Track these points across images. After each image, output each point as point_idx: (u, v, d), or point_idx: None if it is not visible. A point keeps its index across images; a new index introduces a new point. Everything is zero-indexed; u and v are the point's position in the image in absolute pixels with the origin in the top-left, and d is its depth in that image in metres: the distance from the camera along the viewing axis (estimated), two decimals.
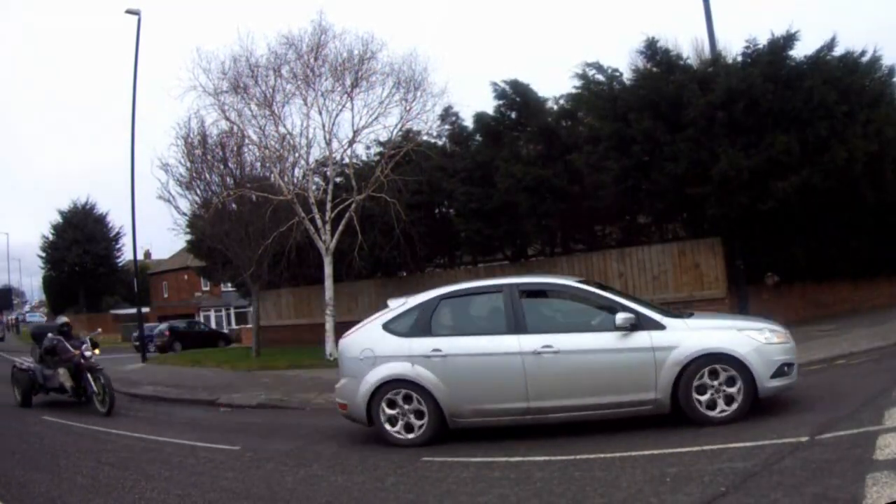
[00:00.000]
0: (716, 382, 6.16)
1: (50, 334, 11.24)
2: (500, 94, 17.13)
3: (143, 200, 35.06)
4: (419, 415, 6.65)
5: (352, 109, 17.84)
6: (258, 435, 8.31)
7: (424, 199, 18.44)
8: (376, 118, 17.88)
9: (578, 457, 5.59)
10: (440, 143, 19.45)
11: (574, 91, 16.38)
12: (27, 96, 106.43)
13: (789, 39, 13.67)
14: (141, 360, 22.87)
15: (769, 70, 13.32)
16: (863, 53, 14.66)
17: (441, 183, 17.75)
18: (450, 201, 18.44)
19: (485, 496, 4.75)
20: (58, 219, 54.03)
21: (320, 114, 17.73)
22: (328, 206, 17.66)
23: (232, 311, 47.52)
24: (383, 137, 19.03)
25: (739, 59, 14.27)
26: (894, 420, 5.46)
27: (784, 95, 13.21)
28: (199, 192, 20.38)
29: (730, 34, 23.47)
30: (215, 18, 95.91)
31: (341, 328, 19.40)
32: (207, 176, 20.14)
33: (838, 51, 14.15)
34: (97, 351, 11.06)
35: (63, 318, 12.38)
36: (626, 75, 15.68)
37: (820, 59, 13.75)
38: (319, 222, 17.60)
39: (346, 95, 17.59)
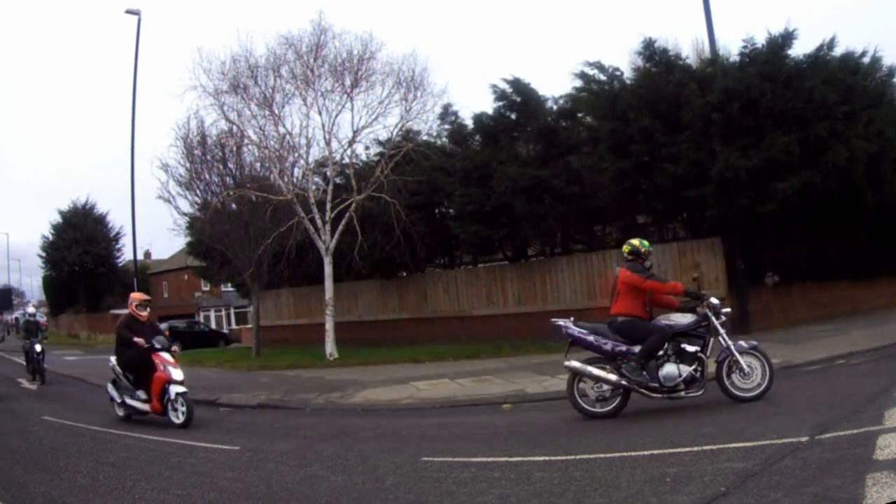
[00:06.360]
0: None
1: None
2: (500, 96, 17.06)
3: (143, 201, 35.12)
4: None
5: (351, 109, 17.89)
6: (258, 435, 8.30)
7: (424, 199, 18.42)
8: (376, 118, 17.93)
9: (579, 457, 5.59)
10: (440, 142, 19.45)
11: (574, 91, 16.36)
12: (27, 96, 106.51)
13: (787, 38, 13.65)
14: None
15: (767, 69, 13.30)
16: (863, 54, 14.68)
17: (440, 183, 17.74)
18: (449, 201, 18.44)
19: (485, 496, 4.75)
20: (58, 219, 54.02)
21: (320, 114, 17.78)
22: (328, 206, 17.67)
23: (232, 311, 47.58)
24: (383, 137, 19.09)
25: (737, 58, 14.25)
26: (894, 420, 5.47)
27: (784, 95, 13.18)
28: (198, 192, 20.39)
29: (732, 35, 23.46)
30: (215, 19, 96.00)
31: (341, 328, 19.50)
32: (207, 176, 20.15)
33: (838, 51, 14.16)
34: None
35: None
36: (627, 75, 15.69)
37: (820, 59, 13.72)
38: (319, 222, 17.60)
39: (345, 95, 17.62)
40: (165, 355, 9.35)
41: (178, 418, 9.00)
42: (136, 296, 10.20)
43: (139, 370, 9.48)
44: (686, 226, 16.98)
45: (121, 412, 9.90)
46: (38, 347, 16.03)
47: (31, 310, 18.12)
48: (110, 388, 10.03)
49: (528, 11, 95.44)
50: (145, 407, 9.43)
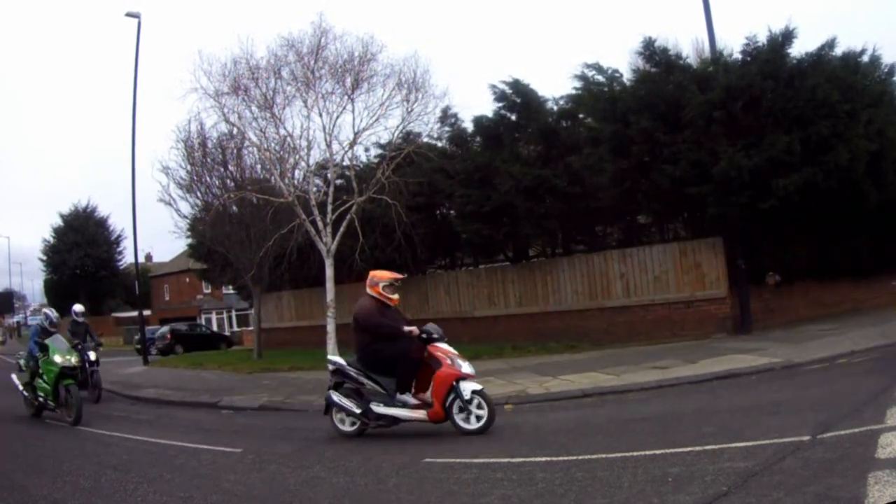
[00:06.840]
0: None
1: None
2: (500, 97, 17.09)
3: (145, 203, 35.23)
4: None
5: (352, 111, 17.83)
6: (260, 437, 8.31)
7: (425, 200, 18.43)
8: (377, 120, 17.87)
9: (580, 457, 5.59)
10: (440, 144, 19.45)
11: (574, 92, 16.37)
12: (27, 98, 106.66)
13: (788, 37, 13.64)
14: (142, 362, 22.90)
15: (768, 68, 13.28)
16: (863, 52, 14.66)
17: (441, 185, 17.76)
18: (450, 203, 18.44)
19: (487, 497, 4.75)
20: (59, 222, 54.23)
21: (321, 116, 17.73)
22: (329, 208, 17.66)
23: (233, 314, 47.63)
24: (384, 139, 19.07)
25: (739, 57, 14.25)
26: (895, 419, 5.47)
27: (785, 94, 13.16)
28: (199, 194, 20.43)
29: (732, 34, 23.47)
30: (215, 21, 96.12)
31: (342, 330, 19.49)
32: (208, 178, 20.20)
33: (838, 50, 14.14)
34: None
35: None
36: (627, 76, 15.69)
37: (821, 58, 13.70)
38: (320, 224, 17.60)
39: (346, 97, 17.58)
40: (446, 346, 7.41)
41: (470, 423, 7.12)
42: (382, 274, 7.82)
43: (406, 368, 7.55)
44: (687, 225, 16.99)
45: (348, 427, 7.77)
46: (91, 355, 13.41)
47: (78, 308, 14.69)
48: (335, 396, 7.73)
49: (528, 12, 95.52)
50: (416, 415, 7.43)
